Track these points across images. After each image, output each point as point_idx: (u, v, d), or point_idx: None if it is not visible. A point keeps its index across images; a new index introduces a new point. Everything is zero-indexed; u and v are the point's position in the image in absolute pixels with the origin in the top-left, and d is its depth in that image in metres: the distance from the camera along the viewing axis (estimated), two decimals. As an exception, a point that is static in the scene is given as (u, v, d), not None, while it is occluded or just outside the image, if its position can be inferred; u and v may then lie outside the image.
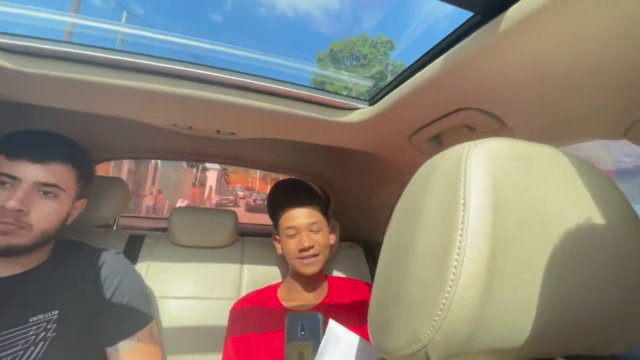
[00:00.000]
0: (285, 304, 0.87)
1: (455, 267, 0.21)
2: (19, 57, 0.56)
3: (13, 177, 0.59)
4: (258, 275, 1.04)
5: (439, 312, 0.21)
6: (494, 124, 0.52)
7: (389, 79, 0.65)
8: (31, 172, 0.61)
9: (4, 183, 0.59)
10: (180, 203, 11.66)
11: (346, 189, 1.29)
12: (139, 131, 0.96)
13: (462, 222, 0.22)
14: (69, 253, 0.72)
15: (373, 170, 1.04)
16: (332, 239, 0.93)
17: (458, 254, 0.22)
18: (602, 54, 0.34)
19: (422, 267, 0.24)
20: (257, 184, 25.70)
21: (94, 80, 0.59)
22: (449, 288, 0.21)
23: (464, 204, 0.23)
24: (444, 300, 0.21)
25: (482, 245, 0.22)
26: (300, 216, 0.85)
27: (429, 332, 0.22)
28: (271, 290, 0.92)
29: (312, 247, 0.83)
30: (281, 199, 0.90)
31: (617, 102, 0.40)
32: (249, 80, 0.62)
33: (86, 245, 0.77)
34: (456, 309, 0.21)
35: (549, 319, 0.24)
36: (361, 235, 1.27)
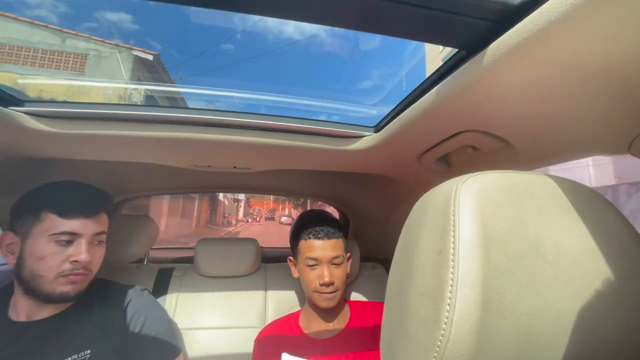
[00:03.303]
0: (306, 331, 0.87)
1: (449, 305, 0.22)
2: (53, 120, 0.62)
3: (74, 234, 0.67)
4: (282, 301, 1.05)
5: (437, 349, 0.22)
6: (497, 144, 0.53)
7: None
8: (88, 226, 0.69)
9: (67, 240, 0.66)
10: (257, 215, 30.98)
11: (364, 209, 1.29)
12: (156, 172, 1.01)
13: (453, 260, 0.23)
14: (98, 292, 0.76)
15: (388, 190, 1.05)
16: (348, 267, 0.90)
17: (451, 292, 0.22)
18: (595, 69, 0.34)
19: (420, 305, 0.25)
20: (271, 205, 39.31)
21: (121, 134, 0.66)
22: (444, 325, 0.22)
23: (453, 242, 0.24)
24: (441, 338, 0.22)
25: (474, 282, 0.22)
26: (325, 249, 0.83)
27: None
28: (293, 318, 0.93)
29: (332, 283, 0.81)
30: (307, 227, 0.87)
31: (619, 117, 0.39)
32: (260, 120, 0.66)
33: (112, 283, 0.81)
34: (453, 345, 0.22)
35: (556, 351, 0.24)
36: (382, 254, 1.26)
